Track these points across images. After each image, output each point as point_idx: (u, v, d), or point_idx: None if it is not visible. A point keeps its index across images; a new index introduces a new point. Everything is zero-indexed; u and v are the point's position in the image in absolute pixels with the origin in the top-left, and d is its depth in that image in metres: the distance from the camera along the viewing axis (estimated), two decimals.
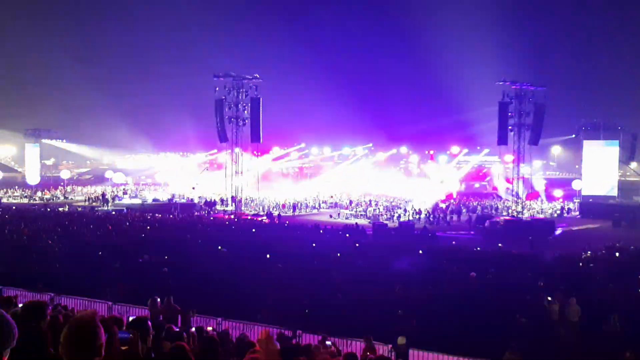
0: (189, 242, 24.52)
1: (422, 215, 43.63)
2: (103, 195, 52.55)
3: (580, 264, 20.85)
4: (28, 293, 14.26)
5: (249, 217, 41.38)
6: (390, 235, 32.07)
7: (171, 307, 11.81)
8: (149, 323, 4.07)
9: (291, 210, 47.81)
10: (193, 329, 8.38)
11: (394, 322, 12.65)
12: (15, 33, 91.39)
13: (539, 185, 58.83)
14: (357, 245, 25.42)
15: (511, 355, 10.43)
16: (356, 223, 34.72)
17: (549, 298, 14.39)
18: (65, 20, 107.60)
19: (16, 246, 22.33)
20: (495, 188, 65.72)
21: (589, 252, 24.06)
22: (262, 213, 43.79)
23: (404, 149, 71.70)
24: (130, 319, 4.97)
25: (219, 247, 22.42)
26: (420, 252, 22.65)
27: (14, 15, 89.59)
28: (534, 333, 12.83)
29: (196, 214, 43.55)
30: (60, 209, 42.25)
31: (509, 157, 45.94)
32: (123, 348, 3.87)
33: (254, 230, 30.73)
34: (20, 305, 3.61)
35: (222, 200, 50.39)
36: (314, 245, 24.40)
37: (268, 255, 20.81)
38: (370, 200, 52.61)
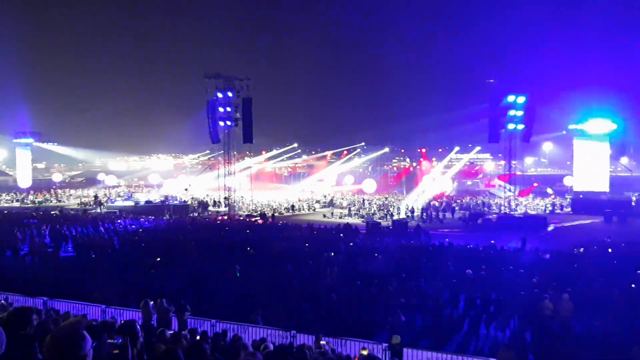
0: (182, 244, 24.44)
1: (416, 214, 43.71)
2: (96, 197, 52.26)
3: (573, 259, 20.95)
4: (21, 297, 14.17)
5: (241, 218, 41.29)
6: (384, 233, 32.12)
7: (164, 309, 11.77)
8: (138, 327, 4.05)
9: (284, 210, 47.86)
10: (185, 332, 8.36)
11: (388, 321, 12.66)
12: (4, 36, 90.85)
13: (531, 182, 59.13)
14: (350, 244, 25.44)
15: (504, 354, 10.45)
16: (347, 222, 34.66)
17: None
18: (55, 23, 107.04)
19: (8, 250, 22.20)
20: (487, 185, 66.01)
21: (582, 248, 24.19)
22: (255, 213, 43.71)
23: (396, 148, 71.92)
24: (122, 322, 4.96)
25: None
26: None
27: (4, 19, 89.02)
28: (528, 329, 12.89)
29: (190, 215, 43.45)
30: (53, 212, 41.97)
31: (500, 155, 46.09)
32: (115, 352, 3.86)
33: (248, 231, 30.67)
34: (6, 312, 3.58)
35: (214, 202, 50.30)
36: (307, 245, 24.41)
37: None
38: (363, 199, 52.65)
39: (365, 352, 9.96)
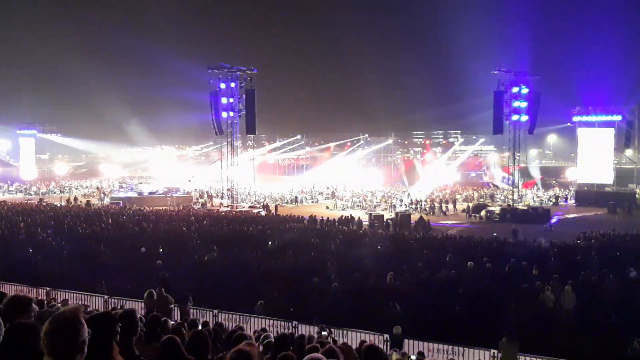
0: (185, 235, 24.49)
1: (419, 205, 43.63)
2: (99, 188, 52.40)
3: (576, 251, 20.91)
4: (24, 287, 14.26)
5: (245, 209, 41.30)
6: (387, 225, 32.12)
7: (164, 299, 11.77)
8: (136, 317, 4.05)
9: (287, 202, 47.91)
10: (187, 322, 8.39)
11: (388, 312, 12.67)
12: (9, 27, 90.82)
13: (535, 174, 58.96)
14: (352, 236, 25.47)
15: (508, 343, 10.41)
16: (350, 215, 34.59)
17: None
18: (60, 14, 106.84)
19: (13, 241, 22.30)
20: (491, 177, 65.83)
21: (583, 241, 24.15)
22: (258, 205, 43.74)
23: (399, 139, 71.69)
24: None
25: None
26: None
27: (8, 10, 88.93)
28: (530, 321, 12.87)
29: (193, 206, 43.49)
30: (57, 203, 42.11)
31: (505, 146, 45.91)
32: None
33: (250, 222, 30.67)
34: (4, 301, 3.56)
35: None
36: (309, 236, 24.41)
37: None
38: (366, 191, 52.60)
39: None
